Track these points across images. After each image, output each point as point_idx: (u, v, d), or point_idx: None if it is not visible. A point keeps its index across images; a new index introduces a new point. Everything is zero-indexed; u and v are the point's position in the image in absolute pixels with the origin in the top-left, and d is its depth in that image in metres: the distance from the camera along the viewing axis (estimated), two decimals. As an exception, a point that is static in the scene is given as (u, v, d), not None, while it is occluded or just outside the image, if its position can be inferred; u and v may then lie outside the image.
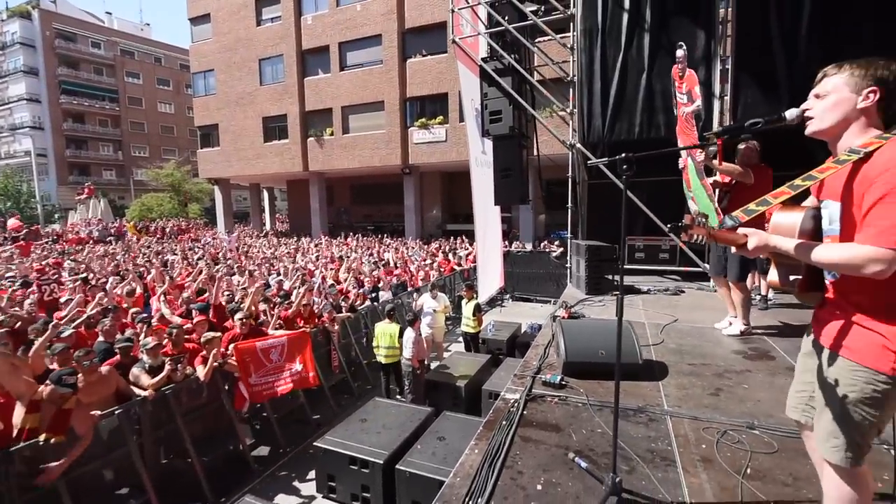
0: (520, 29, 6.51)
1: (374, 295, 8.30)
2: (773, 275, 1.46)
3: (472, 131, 7.50)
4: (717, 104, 5.59)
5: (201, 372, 4.51)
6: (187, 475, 4.21)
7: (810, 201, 1.46)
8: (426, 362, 6.39)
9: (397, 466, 3.76)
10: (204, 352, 4.62)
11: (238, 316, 5.31)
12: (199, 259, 11.77)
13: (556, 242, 13.79)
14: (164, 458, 4.18)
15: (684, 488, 1.85)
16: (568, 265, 6.93)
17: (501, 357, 6.89)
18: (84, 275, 7.95)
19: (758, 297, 4.84)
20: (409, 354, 5.81)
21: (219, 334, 4.93)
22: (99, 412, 3.54)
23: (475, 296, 7.58)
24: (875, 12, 4.78)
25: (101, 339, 4.69)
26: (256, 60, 21.67)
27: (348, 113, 20.08)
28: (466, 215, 19.44)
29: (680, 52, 5.10)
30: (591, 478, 1.88)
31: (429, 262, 12.14)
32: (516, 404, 2.57)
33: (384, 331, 6.13)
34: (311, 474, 4.59)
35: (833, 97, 1.28)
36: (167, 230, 22.77)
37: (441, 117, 18.35)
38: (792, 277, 1.40)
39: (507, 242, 13.84)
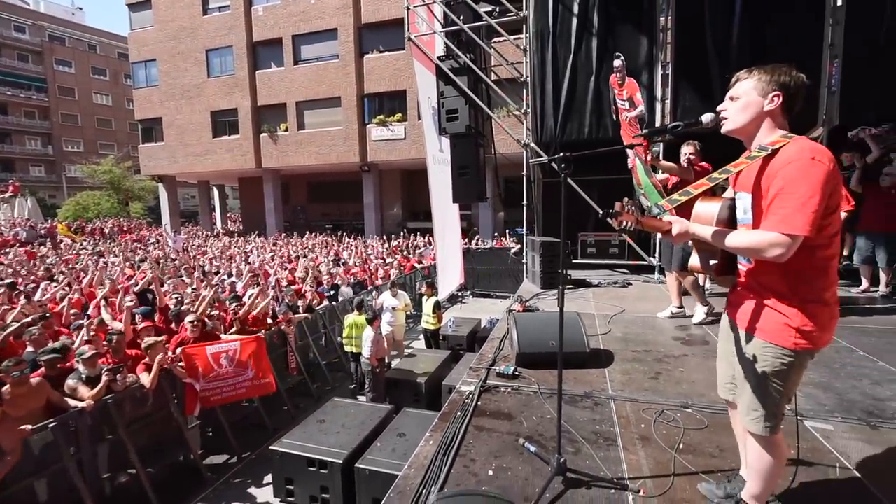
0: (475, 29, 6.62)
1: (332, 294, 8.17)
2: (694, 260, 1.61)
3: (430, 129, 7.54)
4: (658, 107, 5.93)
5: (146, 379, 4.28)
6: (133, 488, 3.99)
7: (728, 193, 1.61)
8: (386, 360, 6.39)
9: (356, 465, 3.75)
10: (147, 358, 4.39)
11: (189, 319, 5.07)
12: (141, 261, 11.09)
13: (514, 239, 14.11)
14: (108, 471, 3.93)
15: (624, 465, 1.99)
16: (524, 261, 7.13)
17: (462, 352, 6.99)
18: (9, 280, 7.29)
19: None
20: (368, 353, 5.78)
21: (162, 339, 4.70)
22: (30, 426, 3.29)
23: (435, 293, 7.64)
24: (794, 26, 5.28)
25: (29, 349, 4.34)
26: (203, 51, 20.62)
27: (303, 108, 19.54)
28: (427, 213, 19.40)
29: (617, 62, 5.43)
30: (539, 461, 1.98)
31: (389, 260, 12.09)
32: (471, 395, 2.65)
33: (355, 322, 6.25)
34: (268, 479, 4.49)
35: (744, 100, 1.43)
36: (106, 231, 21.21)
37: (400, 114, 18.25)
38: (711, 262, 1.55)
39: (466, 239, 14.01)
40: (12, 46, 38.41)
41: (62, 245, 15.74)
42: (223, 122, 20.83)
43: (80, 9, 46.63)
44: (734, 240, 1.37)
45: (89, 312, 5.90)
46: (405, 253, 13.51)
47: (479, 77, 6.53)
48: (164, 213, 24.16)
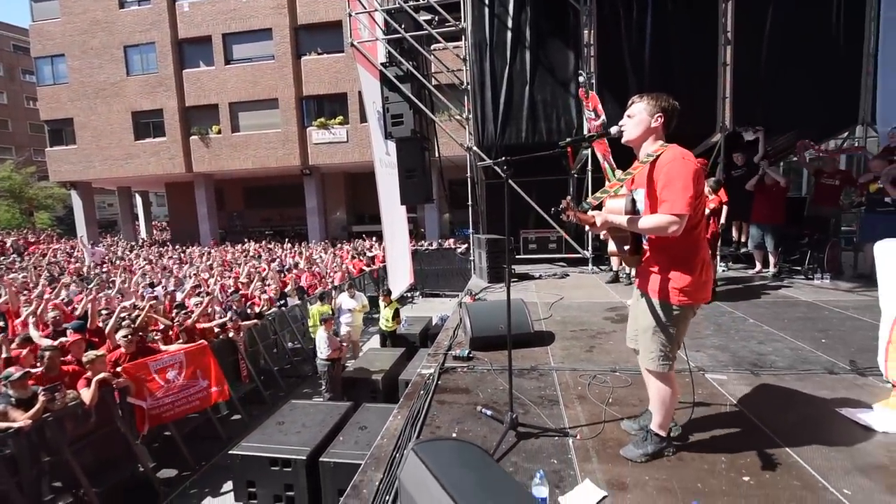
0: (417, 37, 6.90)
1: (281, 302, 8.05)
2: (611, 246, 2.00)
3: (376, 133, 7.70)
4: (585, 115, 6.56)
5: (86, 395, 4.08)
6: (79, 509, 3.81)
7: (623, 191, 2.01)
8: (343, 362, 6.46)
9: (321, 459, 3.86)
10: (89, 373, 4.19)
11: (121, 333, 4.84)
12: (58, 276, 10.14)
13: (461, 240, 14.57)
14: (51, 493, 3.71)
15: (565, 419, 2.35)
16: (472, 258, 7.51)
17: (416, 349, 7.22)
18: None
19: (623, 276, 5.88)
20: (325, 354, 5.85)
21: (102, 352, 4.50)
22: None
23: (393, 301, 7.70)
24: (695, 45, 6.13)
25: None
26: (121, 47, 19.10)
27: (237, 110, 18.74)
28: (372, 216, 19.44)
29: (581, 78, 5.90)
30: (494, 422, 2.29)
31: (336, 263, 12.02)
32: (431, 377, 2.92)
33: (319, 310, 6.64)
34: (226, 486, 4.45)
35: (637, 118, 1.84)
36: (8, 244, 18.91)
37: (341, 117, 18.10)
38: (624, 247, 1.94)
39: (413, 241, 14.23)
40: None
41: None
42: (146, 124, 19.39)
43: (-38, -6, 40.96)
44: (644, 223, 1.76)
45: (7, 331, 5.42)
46: (358, 256, 13.46)
47: (422, 83, 6.82)
48: (79, 222, 21.93)
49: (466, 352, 3.31)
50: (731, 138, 6.26)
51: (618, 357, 3.19)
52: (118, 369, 4.53)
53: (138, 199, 27.77)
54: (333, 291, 9.53)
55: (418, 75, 6.71)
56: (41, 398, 3.72)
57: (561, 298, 5.14)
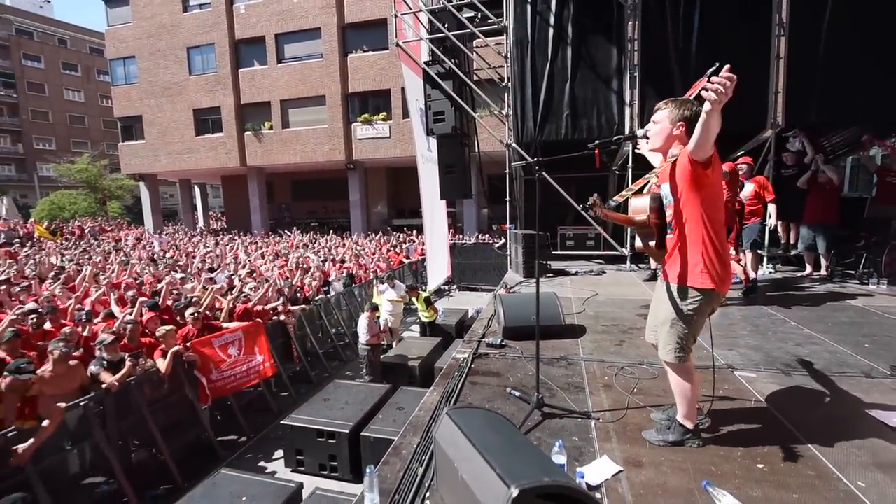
0: (459, 34, 7.07)
1: (326, 289, 8.55)
2: (637, 242, 2.13)
3: (418, 129, 7.98)
4: (627, 111, 6.51)
5: (162, 364, 4.64)
6: (154, 463, 4.36)
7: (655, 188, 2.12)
8: (385, 344, 6.82)
9: (362, 433, 4.19)
10: (163, 345, 4.75)
11: (190, 311, 5.40)
12: (125, 261, 11.19)
13: (497, 234, 14.66)
14: (132, 447, 4.29)
15: (589, 403, 2.51)
16: (508, 253, 7.65)
17: (452, 339, 7.48)
18: (7, 276, 7.42)
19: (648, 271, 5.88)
20: (364, 339, 6.22)
21: (172, 328, 5.05)
22: (64, 404, 3.63)
23: (420, 293, 8.00)
24: (745, 37, 5.93)
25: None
26: (184, 48, 20.50)
27: (288, 107, 19.67)
28: (412, 210, 19.90)
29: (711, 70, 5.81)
30: (522, 402, 2.48)
31: (377, 255, 12.49)
32: (465, 361, 3.14)
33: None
34: (277, 454, 4.90)
35: (660, 125, 1.95)
36: (86, 230, 20.92)
37: (384, 113, 18.58)
38: (650, 242, 2.07)
39: (452, 234, 14.48)
40: (-23, 40, 37.06)
41: (46, 245, 15.57)
42: (206, 121, 20.77)
43: (48, 1, 45.11)
44: (700, 128, 1.66)
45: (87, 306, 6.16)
46: (394, 249, 13.91)
47: (463, 81, 7.00)
48: (146, 212, 23.90)
49: (499, 340, 3.51)
50: (782, 136, 6.02)
51: (647, 352, 3.27)
52: (187, 344, 5.09)
53: (197, 191, 29.75)
54: (375, 281, 9.98)
55: (460, 73, 6.89)
56: (128, 363, 4.29)
57: (596, 294, 5.21)
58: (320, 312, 7.78)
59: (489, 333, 3.81)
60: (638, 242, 2.12)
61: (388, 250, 13.70)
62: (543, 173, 6.66)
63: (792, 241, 6.49)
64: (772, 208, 5.16)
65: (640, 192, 2.00)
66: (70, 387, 3.76)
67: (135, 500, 3.90)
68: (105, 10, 21.89)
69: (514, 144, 7.08)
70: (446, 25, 7.02)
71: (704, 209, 1.84)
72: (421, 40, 7.66)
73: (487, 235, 15.93)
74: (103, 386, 4.06)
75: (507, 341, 3.55)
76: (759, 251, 5.53)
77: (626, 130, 6.39)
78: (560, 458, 1.75)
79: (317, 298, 7.94)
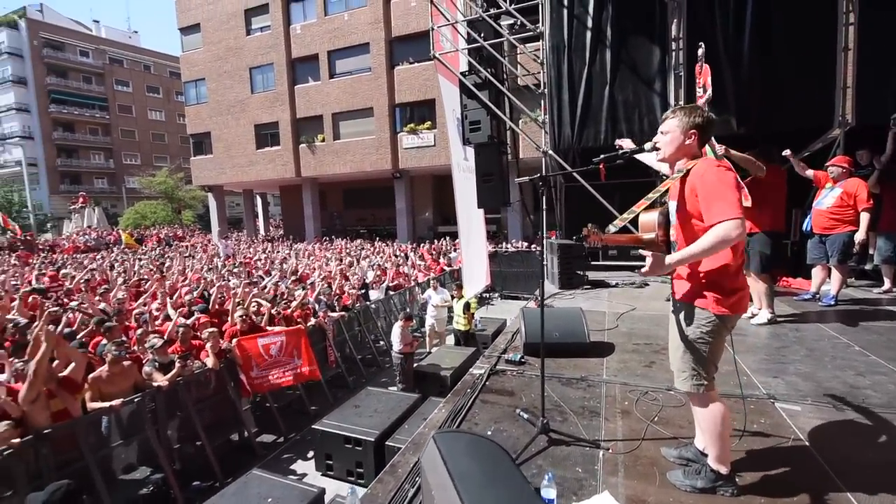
0: (497, 43, 7.04)
1: (363, 292, 8.79)
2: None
3: (454, 139, 8.01)
4: (672, 113, 6.14)
5: (211, 362, 5.00)
6: (198, 458, 4.68)
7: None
8: (429, 348, 6.93)
9: (387, 442, 4.26)
10: (208, 345, 5.11)
11: (238, 313, 5.78)
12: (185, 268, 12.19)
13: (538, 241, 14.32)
14: (178, 442, 4.64)
15: (602, 431, 2.37)
16: (545, 262, 7.46)
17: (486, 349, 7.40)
18: (39, 286, 8.18)
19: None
20: (397, 348, 6.31)
21: (216, 330, 5.41)
22: (120, 401, 4.01)
23: (464, 297, 8.01)
24: (804, 29, 5.40)
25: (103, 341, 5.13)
26: (247, 69, 22.08)
27: (339, 119, 20.55)
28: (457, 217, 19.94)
29: (700, 51, 5.03)
30: (529, 425, 2.40)
31: (420, 263, 12.66)
32: (480, 377, 3.09)
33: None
34: (310, 456, 5.08)
35: (670, 136, 1.82)
36: (162, 237, 23.06)
37: (429, 122, 18.88)
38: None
39: (495, 242, 14.38)
40: (78, 70, 42.24)
41: (134, 253, 17.35)
42: (265, 135, 22.20)
43: (136, 32, 50.56)
44: (701, 245, 1.59)
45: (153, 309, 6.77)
46: (434, 256, 14.04)
47: (500, 90, 6.95)
48: (214, 220, 25.92)
49: (518, 356, 3.42)
50: (853, 133, 5.39)
51: (677, 375, 3.05)
52: (233, 342, 5.44)
53: (258, 200, 31.84)
54: (417, 288, 10.13)
55: (495, 82, 6.85)
56: (177, 363, 4.66)
57: (633, 309, 4.94)
58: (359, 319, 8.00)
59: (511, 349, 3.72)
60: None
61: (430, 258, 13.85)
62: (581, 181, 6.45)
63: (869, 252, 5.78)
64: (864, 218, 4.42)
65: (650, 207, 1.88)
66: (125, 385, 4.14)
67: (179, 492, 4.22)
68: (180, 38, 24.13)
69: (550, 152, 6.91)
70: (482, 35, 7.03)
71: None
72: (458, 51, 7.72)
73: (530, 244, 15.61)
74: (155, 384, 4.44)
75: (528, 358, 3.46)
76: (849, 264, 4.90)
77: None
78: (549, 492, 1.67)
79: (356, 306, 8.18)
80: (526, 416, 2.46)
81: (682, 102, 6.21)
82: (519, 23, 8.01)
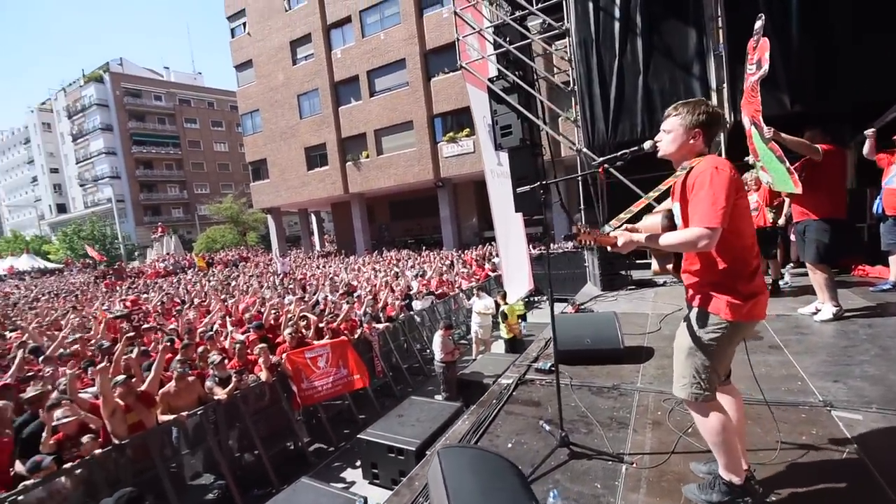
0: (524, 45, 6.97)
1: (406, 302, 8.97)
2: (653, 264, 1.90)
3: (486, 145, 8.01)
4: (714, 97, 5.74)
5: (264, 375, 5.35)
6: (257, 467, 5.01)
7: (666, 204, 1.88)
8: (476, 355, 6.95)
9: (427, 452, 4.31)
10: (260, 360, 5.46)
11: (287, 331, 6.13)
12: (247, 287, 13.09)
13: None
14: (238, 451, 4.99)
15: (628, 444, 2.26)
16: (586, 264, 7.22)
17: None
18: (123, 311, 9.05)
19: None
20: (439, 357, 6.37)
21: (265, 346, 5.75)
22: (185, 413, 4.41)
23: (503, 303, 7.93)
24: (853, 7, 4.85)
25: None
26: (295, 96, 23.47)
27: (381, 135, 21.23)
28: (501, 221, 19.78)
29: (758, 24, 4.19)
30: (551, 437, 2.34)
31: (464, 270, 12.71)
32: (508, 387, 3.06)
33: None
34: (359, 464, 5.25)
35: (672, 134, 1.73)
36: (230, 258, 24.97)
37: (468, 129, 18.96)
38: (667, 265, 1.83)
39: (540, 245, 14.06)
40: (153, 112, 47.19)
41: (204, 275, 18.98)
42: (315, 156, 23.42)
43: (200, 73, 55.61)
44: (667, 240, 1.66)
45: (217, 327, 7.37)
46: (479, 262, 14.02)
47: (529, 92, 6.87)
48: (273, 239, 27.67)
49: (549, 364, 3.35)
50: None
51: (720, 381, 2.84)
52: (283, 356, 5.78)
53: (313, 218, 33.57)
54: (462, 295, 10.18)
55: (523, 84, 6.78)
56: (234, 378, 5.03)
57: (679, 309, 4.64)
58: (404, 329, 8.17)
59: (543, 356, 3.65)
60: (654, 265, 1.89)
61: (475, 264, 13.85)
62: (616, 174, 6.18)
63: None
64: None
65: (648, 209, 1.80)
66: (189, 399, 4.54)
67: (240, 499, 4.53)
68: (236, 75, 26.19)
69: (584, 149, 6.71)
70: (508, 39, 7.00)
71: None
72: (485, 58, 7.74)
73: (575, 245, 15.08)
74: (215, 397, 4.83)
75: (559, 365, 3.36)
76: None
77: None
78: (555, 509, 1.63)
79: (400, 317, 8.36)
80: (548, 427, 2.41)
81: (725, 86, 5.81)
82: (546, 23, 7.89)
